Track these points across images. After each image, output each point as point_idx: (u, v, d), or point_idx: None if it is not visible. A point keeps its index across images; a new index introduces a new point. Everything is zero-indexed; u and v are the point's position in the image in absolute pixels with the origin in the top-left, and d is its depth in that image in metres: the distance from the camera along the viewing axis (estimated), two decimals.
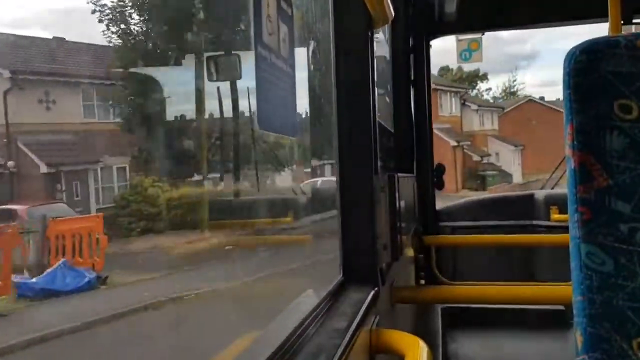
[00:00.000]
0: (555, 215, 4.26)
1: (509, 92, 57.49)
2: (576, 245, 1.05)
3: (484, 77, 56.11)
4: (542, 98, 47.65)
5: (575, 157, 1.04)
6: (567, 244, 1.08)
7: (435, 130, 4.40)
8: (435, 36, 4.16)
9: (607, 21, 2.61)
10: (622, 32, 2.69)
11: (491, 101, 52.81)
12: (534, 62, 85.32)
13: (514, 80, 71.60)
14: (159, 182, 11.73)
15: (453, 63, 47.80)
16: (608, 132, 1.03)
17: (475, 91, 53.39)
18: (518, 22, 4.07)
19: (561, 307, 3.12)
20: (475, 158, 38.02)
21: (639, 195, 1.02)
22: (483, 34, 5.11)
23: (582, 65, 1.03)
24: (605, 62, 1.03)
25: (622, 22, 2.64)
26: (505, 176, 39.08)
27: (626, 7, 2.64)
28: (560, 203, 4.27)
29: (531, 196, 4.58)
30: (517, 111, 45.85)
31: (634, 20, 3.53)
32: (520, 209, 4.51)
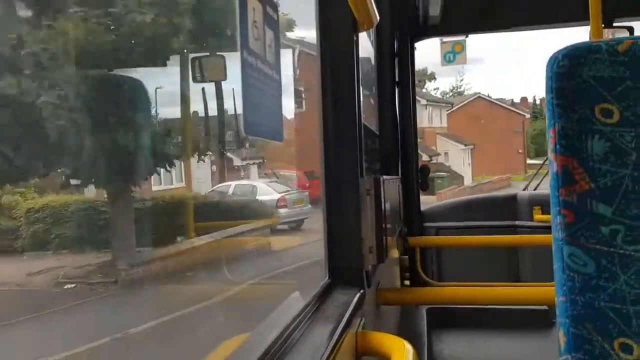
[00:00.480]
0: (538, 216, 4.32)
1: (457, 92, 57.87)
2: (559, 247, 1.07)
3: (432, 77, 56.10)
4: (489, 96, 47.70)
5: (557, 161, 1.06)
6: (550, 244, 1.09)
7: None
8: (419, 39, 4.20)
9: (588, 24, 2.65)
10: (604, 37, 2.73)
11: (440, 97, 52.58)
12: (479, 66, 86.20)
13: (461, 80, 72.14)
14: (22, 188, 9.29)
15: None
16: (590, 136, 1.04)
17: (424, 90, 53.35)
18: (501, 25, 4.12)
19: (544, 308, 3.15)
20: (425, 158, 35.20)
21: (619, 198, 1.04)
22: (467, 37, 5.16)
23: (564, 70, 1.05)
24: (587, 67, 1.04)
25: (602, 25, 2.68)
26: (456, 178, 36.51)
27: (607, 11, 2.68)
28: (543, 204, 4.32)
29: (514, 197, 4.64)
30: (467, 108, 45.13)
31: (615, 25, 3.58)
32: (503, 210, 4.55)
